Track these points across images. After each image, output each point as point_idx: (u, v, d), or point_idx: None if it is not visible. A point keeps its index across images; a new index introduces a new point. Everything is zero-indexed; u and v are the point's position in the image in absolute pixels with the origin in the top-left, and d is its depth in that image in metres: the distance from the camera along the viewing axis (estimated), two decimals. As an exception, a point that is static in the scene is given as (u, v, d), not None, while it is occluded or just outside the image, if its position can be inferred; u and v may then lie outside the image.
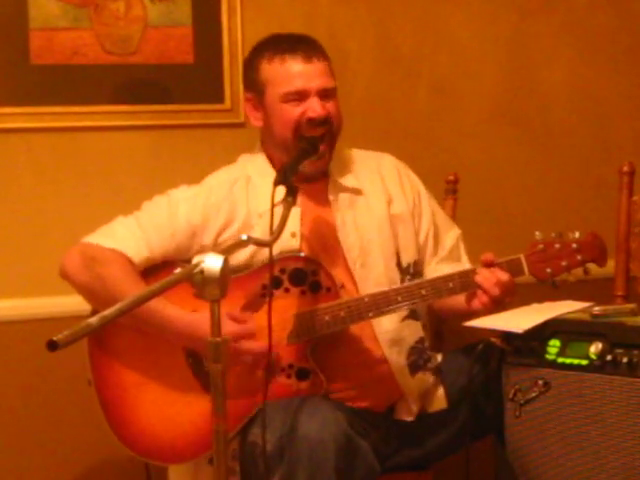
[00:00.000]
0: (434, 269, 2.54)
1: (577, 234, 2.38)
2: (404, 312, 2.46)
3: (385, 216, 2.51)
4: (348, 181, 2.51)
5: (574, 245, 2.38)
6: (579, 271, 2.39)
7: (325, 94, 2.43)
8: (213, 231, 2.42)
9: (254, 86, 2.48)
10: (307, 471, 2.17)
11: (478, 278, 2.34)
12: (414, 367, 2.46)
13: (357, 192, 2.51)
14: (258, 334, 2.33)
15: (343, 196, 2.49)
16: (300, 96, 2.41)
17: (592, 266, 2.40)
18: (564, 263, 2.38)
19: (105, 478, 2.99)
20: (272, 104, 2.43)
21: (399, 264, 2.49)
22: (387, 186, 2.55)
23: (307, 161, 2.39)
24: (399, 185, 2.58)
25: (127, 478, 2.82)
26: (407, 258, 2.51)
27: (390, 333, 2.44)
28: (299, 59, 2.42)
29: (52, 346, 1.60)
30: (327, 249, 2.44)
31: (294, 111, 2.41)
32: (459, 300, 2.44)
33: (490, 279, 2.33)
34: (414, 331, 2.49)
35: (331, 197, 2.48)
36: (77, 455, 2.98)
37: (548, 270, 2.37)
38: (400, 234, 2.52)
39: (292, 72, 2.41)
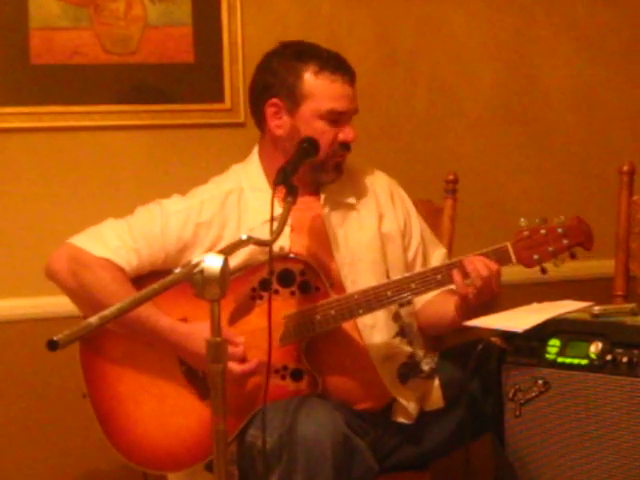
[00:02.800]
0: None
1: (562, 218, 2.38)
2: (394, 329, 2.46)
3: (376, 234, 2.51)
4: (342, 196, 2.51)
5: (559, 230, 2.37)
6: (565, 255, 2.39)
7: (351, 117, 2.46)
8: (203, 247, 2.40)
9: (290, 93, 2.41)
10: (305, 471, 2.17)
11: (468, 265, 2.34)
12: (404, 378, 2.47)
13: (350, 207, 2.51)
14: (250, 337, 2.33)
15: (335, 208, 2.48)
16: (339, 117, 2.41)
17: (586, 259, 2.41)
18: (551, 248, 2.37)
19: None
20: (307, 117, 2.41)
21: None
22: (379, 203, 2.55)
23: (328, 173, 2.44)
24: (391, 203, 2.58)
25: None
26: (396, 277, 2.50)
27: (381, 350, 2.44)
28: (347, 80, 2.42)
29: (52, 346, 1.61)
30: (319, 262, 2.43)
31: (330, 131, 2.41)
32: (448, 308, 2.44)
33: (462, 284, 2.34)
34: (404, 348, 2.48)
35: (324, 211, 2.48)
36: (77, 455, 2.98)
37: (535, 257, 2.37)
38: (389, 253, 2.52)
39: (340, 92, 2.41)
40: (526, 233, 2.37)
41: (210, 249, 2.39)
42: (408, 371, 2.47)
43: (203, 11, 2.98)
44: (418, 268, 2.55)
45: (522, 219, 2.39)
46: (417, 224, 2.61)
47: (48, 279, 2.43)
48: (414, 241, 2.58)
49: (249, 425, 2.32)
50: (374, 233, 2.51)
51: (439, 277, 2.37)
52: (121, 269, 2.36)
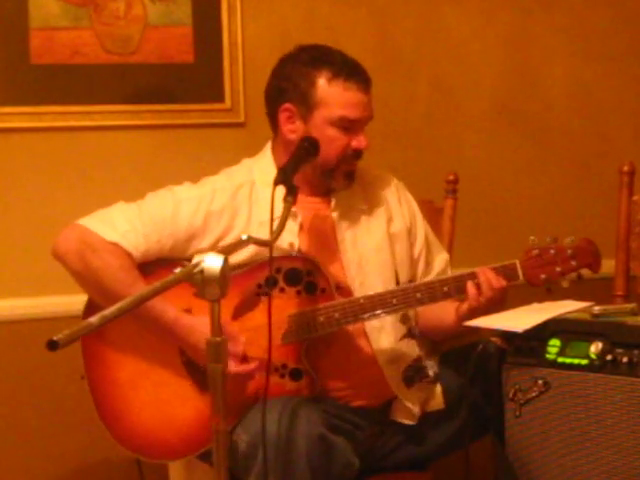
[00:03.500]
0: None
1: (571, 239, 2.39)
2: (402, 331, 2.47)
3: (384, 236, 2.51)
4: (352, 201, 2.51)
5: (569, 251, 2.39)
6: (572, 275, 2.40)
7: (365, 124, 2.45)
8: (212, 237, 2.41)
9: (303, 99, 2.41)
10: (279, 471, 2.17)
11: (481, 277, 2.36)
12: (410, 381, 2.47)
13: (360, 212, 2.51)
14: (253, 334, 2.33)
15: (345, 213, 2.49)
16: (351, 124, 2.40)
17: (585, 271, 2.41)
18: (559, 269, 2.39)
19: (100, 477, 2.99)
20: (319, 124, 2.40)
21: (398, 283, 2.49)
22: (389, 206, 2.56)
23: (338, 180, 2.44)
24: (398, 205, 2.59)
25: (121, 477, 2.83)
26: (403, 277, 2.51)
27: (388, 352, 2.44)
28: (361, 88, 2.41)
29: (52, 346, 1.60)
30: (326, 263, 2.44)
31: (342, 138, 2.41)
32: (448, 313, 2.45)
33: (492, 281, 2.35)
34: (412, 350, 2.49)
35: (334, 214, 2.48)
36: (75, 455, 2.98)
37: (543, 276, 2.38)
38: (397, 252, 2.52)
39: (353, 100, 2.40)
40: (536, 252, 2.39)
41: (220, 239, 2.40)
42: (413, 374, 2.47)
43: (203, 11, 2.98)
44: (420, 270, 2.57)
45: (532, 237, 2.39)
46: (422, 227, 2.61)
47: (54, 259, 2.40)
48: (418, 242, 2.59)
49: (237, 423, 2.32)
50: (383, 236, 2.51)
51: (445, 289, 2.37)
52: (129, 254, 2.35)
